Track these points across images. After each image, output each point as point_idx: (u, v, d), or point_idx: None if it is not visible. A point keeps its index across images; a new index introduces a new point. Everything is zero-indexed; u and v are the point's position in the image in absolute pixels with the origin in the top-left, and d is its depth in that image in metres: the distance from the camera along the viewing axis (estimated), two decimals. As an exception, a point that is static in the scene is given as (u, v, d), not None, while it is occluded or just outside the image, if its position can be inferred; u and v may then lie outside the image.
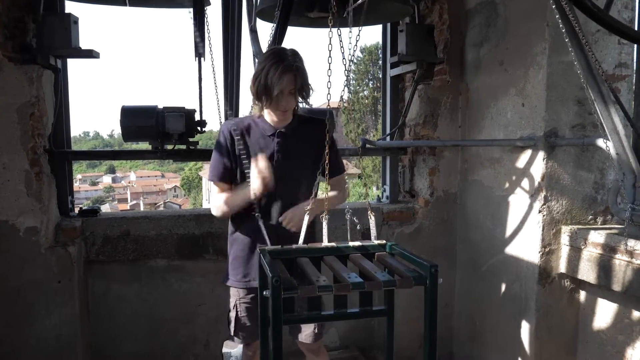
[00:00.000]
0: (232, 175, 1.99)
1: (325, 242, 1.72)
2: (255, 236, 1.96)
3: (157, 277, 2.90)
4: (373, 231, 1.77)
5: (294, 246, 1.69)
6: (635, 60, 2.39)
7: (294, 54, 1.86)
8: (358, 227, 1.74)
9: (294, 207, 1.89)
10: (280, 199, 1.89)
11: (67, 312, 2.68)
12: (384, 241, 1.74)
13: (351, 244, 1.71)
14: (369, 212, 1.74)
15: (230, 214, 2.03)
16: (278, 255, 1.61)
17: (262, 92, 1.84)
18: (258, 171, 1.81)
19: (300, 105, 1.98)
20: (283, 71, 1.81)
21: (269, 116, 1.98)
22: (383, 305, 1.74)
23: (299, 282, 1.55)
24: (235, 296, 2.06)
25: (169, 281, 2.92)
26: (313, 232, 1.92)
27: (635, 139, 2.38)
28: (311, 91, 1.91)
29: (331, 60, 1.62)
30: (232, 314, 2.07)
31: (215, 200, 2.03)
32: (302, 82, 1.85)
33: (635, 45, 2.37)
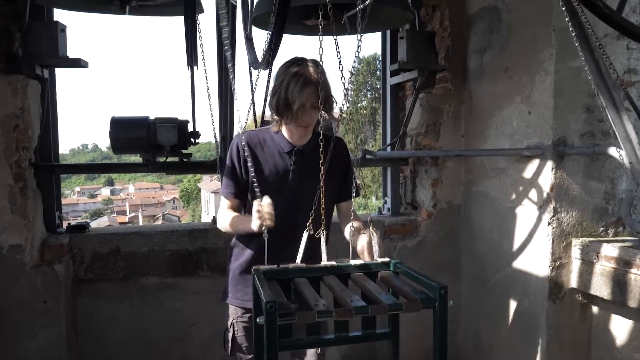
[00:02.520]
0: (244, 192, 1.88)
1: (324, 261, 1.61)
2: (260, 254, 1.83)
3: (149, 295, 2.78)
4: (376, 248, 1.65)
5: (290, 266, 1.58)
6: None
7: (315, 64, 1.73)
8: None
9: (362, 242, 1.68)
10: (295, 222, 1.74)
11: (53, 333, 2.56)
12: (388, 259, 1.63)
13: (352, 262, 1.60)
14: (370, 228, 1.63)
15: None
16: (274, 276, 1.50)
17: (282, 107, 1.72)
18: (258, 210, 1.64)
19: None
20: (305, 83, 1.69)
21: (287, 132, 1.85)
22: (387, 328, 1.63)
23: (296, 304, 1.44)
24: (233, 315, 1.95)
25: (161, 299, 2.80)
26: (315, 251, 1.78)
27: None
28: (334, 104, 1.78)
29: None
30: (229, 333, 1.96)
31: (222, 217, 1.91)
32: (325, 95, 1.72)
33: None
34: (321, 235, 1.59)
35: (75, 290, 2.69)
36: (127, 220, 42.13)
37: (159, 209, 49.18)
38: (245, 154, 1.79)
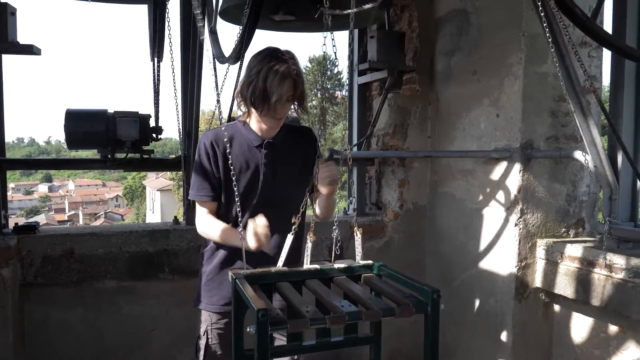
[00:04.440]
0: (218, 192, 1.79)
1: (306, 264, 1.55)
2: (234, 256, 1.75)
3: (105, 300, 2.63)
4: (358, 250, 1.61)
5: (272, 269, 1.51)
6: (610, 73, 2.38)
7: (292, 56, 1.69)
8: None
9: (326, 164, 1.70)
10: (270, 218, 1.67)
11: (-2, 343, 2.35)
12: (371, 261, 1.59)
13: (336, 265, 1.55)
14: (355, 228, 1.59)
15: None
16: (255, 281, 1.42)
17: (258, 99, 1.66)
18: (254, 229, 1.59)
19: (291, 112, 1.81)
20: (283, 76, 1.64)
21: (256, 124, 1.79)
22: (368, 332, 1.59)
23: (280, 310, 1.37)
24: (207, 321, 1.84)
25: (118, 304, 2.65)
26: (298, 254, 1.73)
27: (610, 152, 2.36)
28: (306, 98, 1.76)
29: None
30: (202, 342, 1.85)
31: (205, 224, 1.80)
32: (302, 89, 1.70)
33: (610, 58, 2.37)
34: (307, 238, 1.53)
35: (24, 296, 2.50)
36: (66, 218, 40.16)
37: (101, 206, 47.18)
38: (217, 150, 1.74)
